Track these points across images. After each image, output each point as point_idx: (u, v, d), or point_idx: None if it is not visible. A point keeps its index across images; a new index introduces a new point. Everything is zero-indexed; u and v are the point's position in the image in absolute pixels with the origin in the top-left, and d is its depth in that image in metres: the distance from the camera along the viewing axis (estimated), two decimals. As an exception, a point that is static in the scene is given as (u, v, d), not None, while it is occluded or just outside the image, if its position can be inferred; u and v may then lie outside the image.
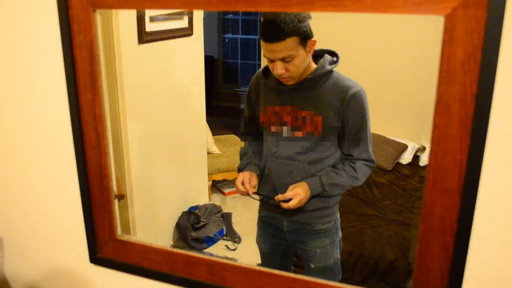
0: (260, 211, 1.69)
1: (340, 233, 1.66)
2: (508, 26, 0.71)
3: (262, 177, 1.58)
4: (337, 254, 1.67)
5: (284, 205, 1.45)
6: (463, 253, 0.83)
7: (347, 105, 1.39)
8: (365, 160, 1.50)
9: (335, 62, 1.43)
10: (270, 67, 1.38)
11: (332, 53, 1.47)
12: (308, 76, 1.40)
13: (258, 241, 1.77)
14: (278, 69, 1.34)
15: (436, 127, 0.79)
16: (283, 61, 1.32)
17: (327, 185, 1.48)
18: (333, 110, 1.40)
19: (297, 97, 1.43)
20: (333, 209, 1.59)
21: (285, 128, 1.47)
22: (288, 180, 1.50)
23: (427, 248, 0.86)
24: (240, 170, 1.61)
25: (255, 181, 1.55)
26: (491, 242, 0.83)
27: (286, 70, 1.34)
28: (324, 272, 1.67)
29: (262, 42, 1.33)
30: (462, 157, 0.78)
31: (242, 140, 1.71)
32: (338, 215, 1.63)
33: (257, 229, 1.75)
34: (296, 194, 1.44)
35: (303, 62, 1.36)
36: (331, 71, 1.42)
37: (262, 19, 1.35)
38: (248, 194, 1.52)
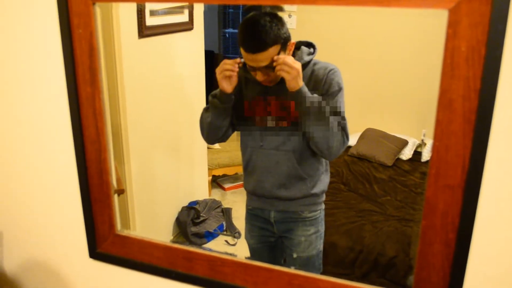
0: (247, 204, 1.71)
1: (323, 226, 1.68)
2: (513, 20, 0.70)
3: (247, 170, 1.60)
4: (320, 246, 1.69)
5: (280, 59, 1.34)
6: (465, 249, 0.83)
7: (325, 82, 1.41)
8: (341, 127, 1.44)
9: (312, 53, 1.45)
10: (252, 72, 1.40)
11: (309, 44, 1.48)
12: None
13: (246, 237, 1.79)
14: (260, 77, 1.37)
15: (439, 123, 0.78)
16: (264, 69, 1.35)
17: (309, 95, 1.39)
18: (314, 92, 1.41)
19: (280, 89, 1.42)
20: (320, 198, 1.61)
21: (269, 120, 1.48)
22: (275, 170, 1.52)
23: (429, 244, 0.85)
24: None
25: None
26: (493, 238, 0.83)
27: (268, 75, 1.37)
28: (305, 263, 1.69)
29: (242, 51, 1.34)
30: (465, 153, 0.77)
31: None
32: (323, 207, 1.65)
33: (245, 224, 1.77)
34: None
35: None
36: (309, 62, 1.43)
37: (241, 28, 1.36)
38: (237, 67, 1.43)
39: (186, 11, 2.56)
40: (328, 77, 1.42)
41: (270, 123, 1.48)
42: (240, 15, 5.35)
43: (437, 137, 0.79)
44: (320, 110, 1.40)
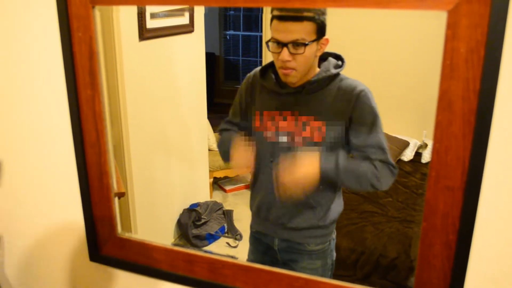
0: (251, 226, 1.58)
1: (334, 255, 1.53)
2: (512, 21, 0.70)
3: (253, 189, 1.48)
4: (329, 277, 1.49)
5: (284, 178, 1.30)
6: (465, 251, 0.83)
7: (354, 106, 1.28)
8: (384, 162, 1.30)
9: (340, 66, 1.33)
10: (275, 58, 1.27)
11: (337, 57, 1.37)
12: (311, 79, 1.30)
13: (249, 257, 1.64)
14: (285, 55, 1.22)
15: (438, 124, 0.78)
16: (292, 48, 1.22)
17: (342, 166, 1.28)
18: (337, 115, 1.30)
19: (297, 101, 1.32)
20: (329, 229, 1.47)
21: (282, 137, 1.34)
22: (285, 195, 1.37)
23: (429, 245, 0.85)
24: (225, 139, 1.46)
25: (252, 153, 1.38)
26: (494, 240, 0.83)
27: (293, 59, 1.24)
28: None
29: (275, 22, 1.22)
30: (465, 154, 0.77)
31: (220, 134, 1.56)
32: (335, 235, 1.50)
33: (249, 244, 1.63)
34: (301, 164, 1.29)
35: (311, 58, 1.26)
36: (336, 75, 1.31)
37: None
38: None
39: (187, 14, 2.57)
40: (359, 101, 1.28)
41: (283, 138, 1.34)
42: (241, 17, 5.36)
43: (436, 139, 0.78)
44: (352, 175, 1.30)
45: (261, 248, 1.56)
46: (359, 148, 1.31)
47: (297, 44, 1.22)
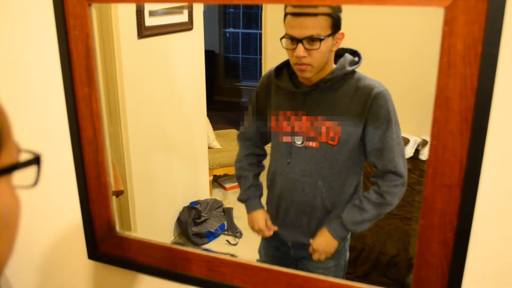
0: None
1: (347, 255, 1.52)
2: (510, 18, 0.70)
3: (270, 189, 1.46)
4: (341, 277, 1.54)
5: (315, 256, 1.40)
6: (463, 248, 0.82)
7: (370, 109, 1.24)
8: (391, 172, 1.30)
9: (357, 63, 1.29)
10: (289, 55, 1.25)
11: (354, 53, 1.33)
12: (326, 76, 1.26)
13: (260, 251, 1.63)
14: (300, 51, 1.19)
15: (436, 121, 0.77)
16: (307, 43, 1.20)
17: (351, 225, 1.33)
18: (353, 116, 1.26)
19: (312, 101, 1.28)
20: None
21: (297, 137, 1.32)
22: (299, 199, 1.37)
23: (427, 243, 0.85)
24: (242, 201, 1.53)
25: (269, 221, 1.47)
26: (491, 237, 0.82)
27: (309, 55, 1.21)
28: None
29: (289, 18, 1.20)
30: (462, 152, 0.77)
31: (238, 141, 1.60)
32: (349, 235, 1.48)
33: (261, 239, 1.60)
34: (319, 251, 1.38)
35: (327, 53, 1.23)
36: (352, 72, 1.27)
37: None
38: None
39: (186, 11, 2.56)
40: (375, 103, 1.24)
41: (298, 139, 1.32)
42: (241, 15, 5.35)
43: (434, 136, 0.78)
44: (364, 221, 1.34)
45: (274, 243, 1.55)
46: (370, 153, 1.30)
47: (312, 39, 1.19)
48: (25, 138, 1.19)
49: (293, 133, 1.32)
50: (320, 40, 1.19)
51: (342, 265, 1.52)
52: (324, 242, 1.37)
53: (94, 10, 0.99)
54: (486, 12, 0.69)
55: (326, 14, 1.18)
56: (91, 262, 1.22)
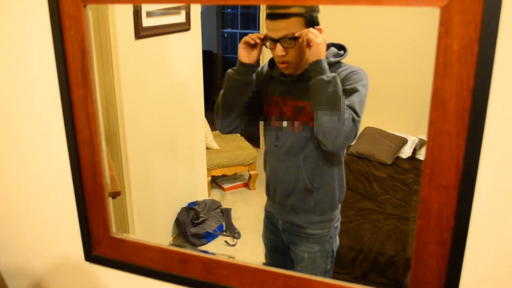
0: (265, 206, 1.67)
1: (335, 244, 1.58)
2: (505, 18, 0.70)
3: (265, 172, 1.58)
4: (327, 265, 1.59)
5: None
6: (460, 249, 0.82)
7: (343, 84, 1.33)
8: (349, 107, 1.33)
9: (341, 56, 1.40)
10: (272, 54, 1.36)
11: (341, 47, 1.43)
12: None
13: (262, 236, 1.74)
14: (279, 51, 1.30)
15: (432, 122, 0.77)
16: (285, 43, 1.29)
17: (334, 80, 1.29)
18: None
19: (298, 89, 1.39)
20: (327, 215, 1.53)
21: (284, 122, 1.43)
22: (285, 177, 1.47)
23: (424, 244, 0.84)
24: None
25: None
26: (488, 238, 0.82)
27: (287, 53, 1.31)
28: None
29: (267, 21, 1.30)
30: (459, 152, 0.77)
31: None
32: (338, 223, 1.55)
33: (263, 223, 1.72)
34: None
35: (298, 52, 1.32)
36: (337, 63, 1.37)
37: None
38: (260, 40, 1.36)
39: (183, 12, 2.56)
40: (348, 78, 1.35)
41: (285, 123, 1.43)
42: (239, 15, 5.35)
43: (430, 137, 0.78)
44: (336, 90, 1.29)
45: (270, 226, 1.66)
46: None
47: (288, 39, 1.29)
48: (21, 140, 1.19)
49: (281, 118, 1.43)
50: (295, 39, 1.29)
51: (328, 251, 1.57)
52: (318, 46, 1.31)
53: (90, 11, 0.99)
54: (482, 12, 0.69)
55: (298, 14, 1.27)
56: (87, 264, 1.21)
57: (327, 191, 1.48)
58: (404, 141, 2.85)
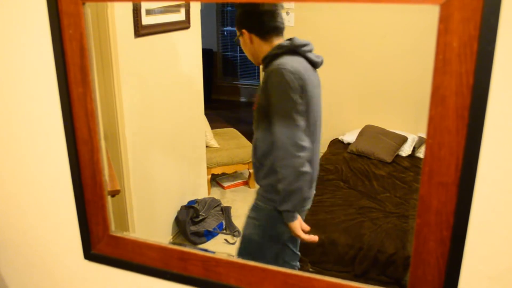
0: None
1: (267, 223, 1.71)
2: (505, 15, 0.69)
3: None
4: (254, 236, 1.75)
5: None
6: (460, 247, 0.82)
7: (266, 82, 1.51)
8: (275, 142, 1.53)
9: (280, 49, 1.56)
10: None
11: (303, 45, 1.58)
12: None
13: None
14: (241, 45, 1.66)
15: (431, 119, 0.77)
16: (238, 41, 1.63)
17: (283, 199, 1.57)
18: (262, 88, 1.54)
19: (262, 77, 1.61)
20: (267, 193, 1.66)
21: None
22: (252, 149, 1.69)
23: (424, 242, 0.84)
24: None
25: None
26: (488, 236, 0.82)
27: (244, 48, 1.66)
28: (243, 241, 1.82)
29: None
30: (458, 150, 0.76)
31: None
32: (271, 207, 1.65)
33: None
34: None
35: (248, 45, 1.61)
36: (276, 55, 1.53)
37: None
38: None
39: (183, 10, 2.55)
40: (268, 77, 1.52)
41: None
42: (238, 13, 5.33)
43: (430, 134, 0.78)
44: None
45: None
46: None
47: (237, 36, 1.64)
48: (20, 138, 1.18)
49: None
50: (239, 37, 1.62)
51: (265, 226, 1.71)
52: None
53: (89, 9, 0.98)
54: (482, 9, 0.69)
55: (237, 23, 1.62)
56: (86, 262, 1.21)
57: (269, 171, 1.63)
58: (404, 139, 2.85)
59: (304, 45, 1.54)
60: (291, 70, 1.47)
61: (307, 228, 1.61)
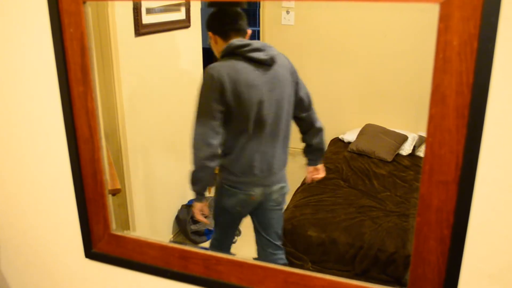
0: None
1: (223, 201, 1.94)
2: (505, 13, 0.69)
3: None
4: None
5: None
6: (460, 245, 0.82)
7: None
8: None
9: (224, 51, 1.69)
10: None
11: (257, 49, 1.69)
12: None
13: None
14: None
15: (432, 118, 0.77)
16: None
17: None
18: None
19: None
20: (221, 172, 1.86)
21: None
22: None
23: (424, 241, 0.84)
24: None
25: None
26: (488, 234, 0.82)
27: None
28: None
29: None
30: (458, 148, 0.77)
31: None
32: (224, 186, 1.89)
33: None
34: None
35: (214, 45, 1.76)
36: (223, 56, 1.68)
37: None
38: None
39: (183, 9, 2.55)
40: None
41: None
42: (239, 12, 5.33)
43: (430, 133, 0.78)
44: None
45: None
46: None
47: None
48: (20, 137, 1.19)
49: None
50: (209, 39, 1.76)
51: (215, 199, 1.96)
52: None
53: (89, 8, 0.98)
54: (482, 8, 0.69)
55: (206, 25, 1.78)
56: (87, 261, 1.21)
57: (225, 151, 1.83)
58: (404, 138, 2.85)
59: (244, 45, 1.63)
60: (212, 73, 1.61)
61: (207, 212, 1.88)
